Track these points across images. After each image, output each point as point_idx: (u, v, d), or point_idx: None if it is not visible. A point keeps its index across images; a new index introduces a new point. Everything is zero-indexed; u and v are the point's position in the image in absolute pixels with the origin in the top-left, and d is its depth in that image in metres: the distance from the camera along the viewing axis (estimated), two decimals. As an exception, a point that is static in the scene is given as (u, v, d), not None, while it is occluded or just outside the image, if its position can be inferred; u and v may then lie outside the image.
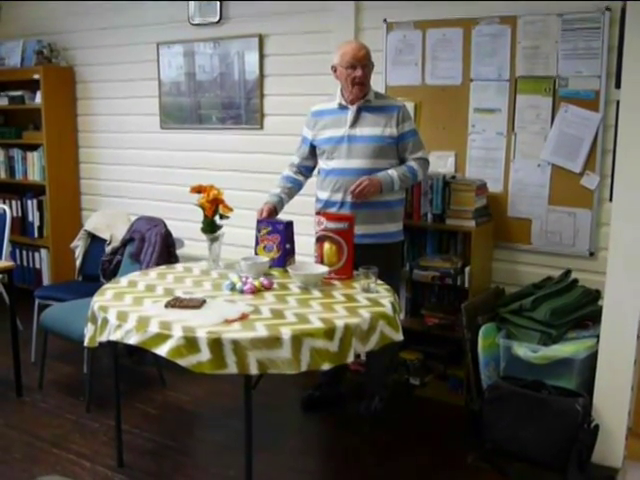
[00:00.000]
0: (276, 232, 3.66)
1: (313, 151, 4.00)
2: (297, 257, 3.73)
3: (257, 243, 3.72)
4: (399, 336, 3.05)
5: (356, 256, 3.50)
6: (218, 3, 5.16)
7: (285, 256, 3.64)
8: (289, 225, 3.69)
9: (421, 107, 4.39)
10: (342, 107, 3.85)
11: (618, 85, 3.66)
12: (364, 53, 3.74)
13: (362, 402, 4.04)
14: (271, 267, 3.58)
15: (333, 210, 3.80)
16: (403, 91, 4.37)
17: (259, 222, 3.76)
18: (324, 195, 3.91)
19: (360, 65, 3.71)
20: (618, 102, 3.58)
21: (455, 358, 4.27)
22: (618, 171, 3.45)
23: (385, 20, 4.51)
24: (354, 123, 3.81)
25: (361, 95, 3.79)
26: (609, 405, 3.50)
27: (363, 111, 3.82)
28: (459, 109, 4.34)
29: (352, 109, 3.81)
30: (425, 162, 3.88)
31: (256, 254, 3.69)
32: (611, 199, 3.77)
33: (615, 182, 3.50)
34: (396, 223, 3.92)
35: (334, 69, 3.83)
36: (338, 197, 3.83)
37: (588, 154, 3.96)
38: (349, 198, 3.76)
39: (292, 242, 3.71)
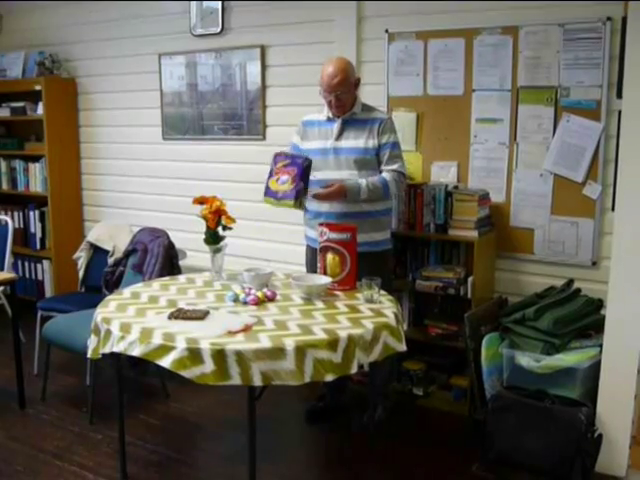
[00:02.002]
0: (294, 165, 3.60)
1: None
2: (297, 268, 3.72)
3: (271, 175, 3.66)
4: (402, 346, 3.05)
5: None
6: (220, 14, 5.18)
7: (298, 190, 3.58)
8: (309, 164, 3.65)
9: (423, 118, 4.40)
10: (329, 120, 3.89)
11: (619, 95, 3.67)
12: (337, 81, 3.73)
13: (365, 413, 4.03)
14: (279, 199, 3.59)
15: (320, 221, 3.78)
16: (405, 102, 4.38)
17: (277, 155, 3.69)
18: (312, 206, 3.91)
19: (334, 93, 3.75)
20: (619, 112, 3.58)
21: (458, 368, 4.27)
22: (620, 180, 3.45)
23: (387, 31, 4.52)
24: (339, 135, 3.84)
25: (340, 114, 3.84)
26: (612, 414, 3.49)
27: (348, 123, 3.85)
28: (461, 119, 4.35)
29: (338, 122, 3.85)
30: (399, 175, 3.83)
31: (268, 187, 3.65)
32: (613, 208, 3.76)
33: (617, 191, 3.50)
34: (382, 232, 3.92)
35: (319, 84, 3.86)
36: (325, 208, 3.84)
37: (590, 164, 3.97)
38: (334, 208, 3.80)
39: (307, 183, 3.64)
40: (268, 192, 3.67)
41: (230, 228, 3.69)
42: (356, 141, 3.81)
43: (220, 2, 5.17)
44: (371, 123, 3.84)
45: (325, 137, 3.89)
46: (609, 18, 3.79)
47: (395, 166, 3.82)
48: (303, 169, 3.58)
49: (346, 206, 3.77)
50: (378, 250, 3.91)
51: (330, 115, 3.88)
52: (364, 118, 3.86)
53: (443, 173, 4.37)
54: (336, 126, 3.85)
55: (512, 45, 4.12)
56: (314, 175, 3.84)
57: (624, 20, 3.61)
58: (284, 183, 3.57)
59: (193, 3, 5.28)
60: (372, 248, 3.86)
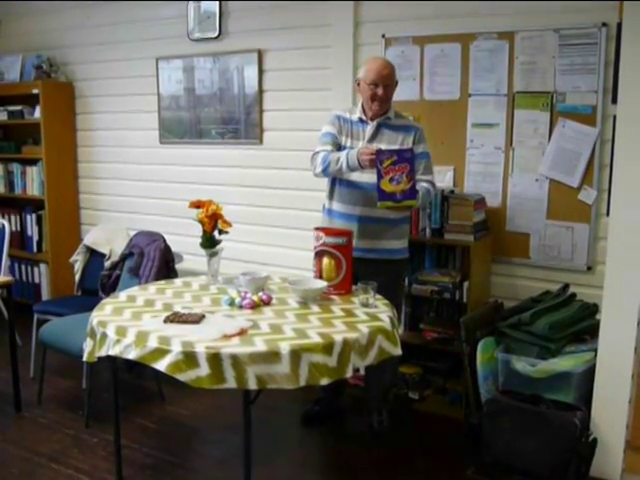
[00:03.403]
0: (404, 161, 3.44)
1: (339, 145, 3.89)
2: (293, 272, 3.72)
3: (380, 177, 3.46)
4: (398, 351, 3.06)
5: (360, 270, 3.52)
6: (217, 19, 5.19)
7: (415, 187, 3.49)
8: (414, 153, 3.54)
9: (419, 122, 4.40)
10: (362, 121, 3.86)
11: (615, 100, 3.67)
12: (388, 72, 3.75)
13: (372, 417, 4.02)
14: (399, 201, 3.47)
15: (340, 222, 3.79)
16: (401, 106, 4.37)
17: (380, 153, 3.48)
18: (336, 206, 3.89)
19: (382, 84, 3.72)
20: (615, 117, 3.59)
21: (454, 372, 4.27)
22: (615, 186, 3.47)
23: (383, 35, 4.54)
24: (372, 138, 3.81)
25: (380, 112, 3.81)
26: (607, 419, 3.50)
27: (382, 127, 3.83)
28: (457, 124, 4.36)
29: (372, 124, 3.82)
30: (434, 186, 3.87)
31: (380, 188, 3.47)
32: (608, 213, 3.78)
33: (612, 197, 3.52)
34: (401, 240, 3.92)
35: (358, 82, 3.85)
36: (349, 210, 3.81)
37: (585, 169, 3.98)
38: (357, 211, 3.77)
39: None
40: (384, 196, 3.49)
41: (226, 232, 3.69)
42: (390, 146, 3.74)
43: (218, 6, 5.18)
44: (405, 130, 3.84)
45: (356, 138, 3.85)
46: (604, 24, 3.81)
47: (430, 177, 3.84)
48: (414, 163, 3.47)
49: (372, 210, 3.72)
50: (397, 258, 3.93)
51: (363, 117, 3.85)
52: (398, 125, 3.86)
53: (439, 177, 4.37)
54: (369, 128, 3.82)
55: (508, 50, 4.14)
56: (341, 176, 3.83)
57: (619, 26, 3.63)
58: (399, 183, 3.43)
59: (190, 7, 5.29)
60: (392, 256, 3.88)
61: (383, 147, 3.65)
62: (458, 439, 3.96)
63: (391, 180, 3.44)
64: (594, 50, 3.87)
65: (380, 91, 3.73)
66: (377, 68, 3.74)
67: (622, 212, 3.41)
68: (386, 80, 3.74)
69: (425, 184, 3.77)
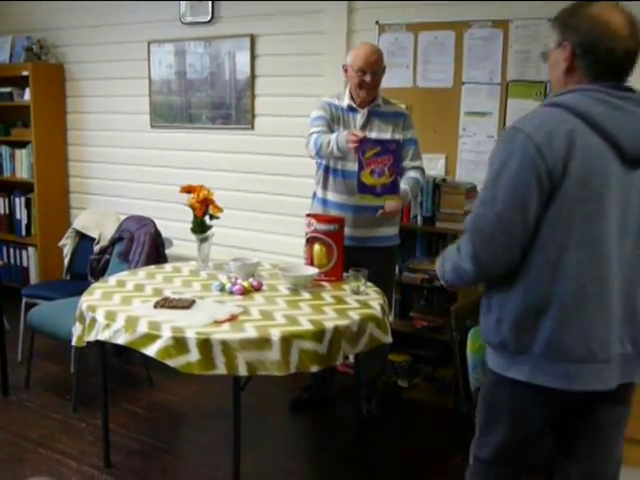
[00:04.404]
0: (387, 153, 3.27)
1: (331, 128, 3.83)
2: (284, 258, 3.71)
3: (361, 168, 3.31)
4: (388, 338, 3.06)
5: (356, 259, 3.51)
6: (210, 2, 5.15)
7: (397, 182, 3.34)
8: (399, 145, 3.41)
9: (412, 109, 4.39)
10: (351, 109, 3.82)
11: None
12: (376, 58, 3.71)
13: (361, 405, 4.01)
14: (379, 195, 3.38)
15: (336, 212, 3.77)
16: (394, 93, 4.36)
17: (363, 142, 3.31)
18: (329, 195, 3.86)
19: (370, 71, 3.68)
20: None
21: (444, 360, 4.28)
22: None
23: (377, 22, 4.51)
24: (363, 127, 3.77)
25: (368, 99, 3.78)
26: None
27: (373, 116, 3.80)
28: (450, 112, 4.35)
29: (363, 112, 3.79)
30: (424, 172, 3.88)
31: (360, 180, 3.33)
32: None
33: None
34: (394, 227, 3.93)
35: (345, 69, 3.80)
36: (345, 200, 3.78)
37: (578, 158, 3.97)
38: (353, 201, 3.73)
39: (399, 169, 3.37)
40: (364, 188, 3.36)
41: (217, 217, 3.68)
42: (381, 134, 3.74)
43: (210, -10, 5.15)
44: (395, 117, 3.83)
45: (347, 126, 3.80)
46: (599, 13, 3.79)
47: (419, 162, 3.85)
48: (398, 156, 3.33)
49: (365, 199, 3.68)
50: (389, 245, 3.94)
51: (352, 104, 3.81)
52: (387, 111, 3.83)
53: (431, 165, 4.36)
54: (360, 116, 3.79)
55: (502, 39, 4.12)
56: (336, 165, 3.80)
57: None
58: (381, 176, 3.28)
59: (183, -10, 5.26)
60: (384, 243, 3.88)
61: (374, 136, 3.64)
62: (447, 427, 3.97)
63: (372, 172, 3.29)
64: (588, 39, 3.85)
65: (368, 78, 3.70)
66: (364, 54, 3.70)
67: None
68: (374, 67, 3.70)
69: (413, 173, 3.78)
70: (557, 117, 1.99)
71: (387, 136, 3.73)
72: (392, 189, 3.33)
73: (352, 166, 3.67)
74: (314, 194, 3.98)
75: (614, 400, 2.19)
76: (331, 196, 3.85)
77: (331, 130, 3.77)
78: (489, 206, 2.04)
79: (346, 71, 3.80)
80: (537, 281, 2.03)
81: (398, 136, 3.75)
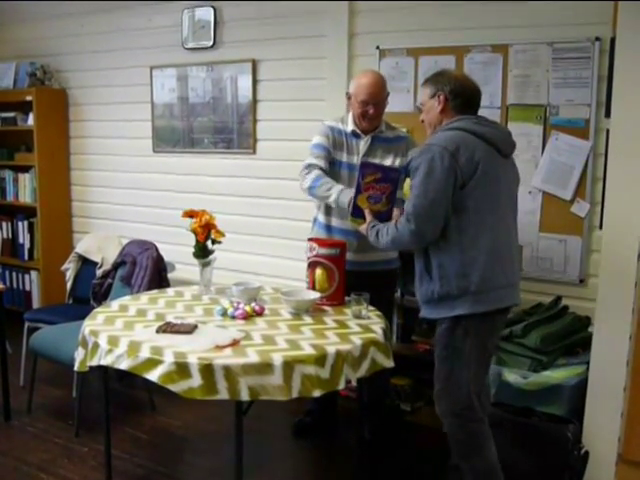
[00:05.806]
0: (387, 180, 3.17)
1: (331, 159, 3.82)
2: (286, 282, 3.71)
3: (359, 191, 3.19)
4: (390, 362, 3.06)
5: (357, 282, 3.49)
6: (212, 28, 5.19)
7: (391, 212, 3.21)
8: (400, 175, 3.29)
9: (413, 133, 4.39)
10: (355, 134, 3.83)
11: (608, 114, 3.69)
12: (378, 90, 3.72)
13: (363, 429, 3.97)
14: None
15: (340, 238, 3.74)
16: (395, 118, 4.38)
17: (365, 166, 3.23)
18: (333, 221, 3.85)
19: (373, 102, 3.70)
20: (608, 130, 3.61)
21: (446, 384, 4.26)
22: (608, 199, 3.48)
23: (378, 47, 4.54)
24: (367, 153, 3.78)
25: (371, 128, 3.79)
26: (599, 432, 3.50)
27: (376, 142, 3.81)
28: (451, 136, 4.36)
29: (366, 139, 3.80)
30: None
31: (356, 204, 3.20)
32: (601, 227, 3.79)
33: (605, 210, 3.53)
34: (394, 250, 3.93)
35: (348, 97, 3.82)
36: (347, 224, 3.65)
37: (578, 182, 3.99)
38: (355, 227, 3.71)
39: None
40: (357, 212, 3.23)
41: (219, 242, 3.69)
42: (384, 160, 3.75)
43: (212, 16, 5.18)
44: (397, 142, 3.84)
45: (350, 152, 3.81)
46: (597, 38, 3.82)
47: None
48: (398, 185, 3.24)
49: None
50: (392, 268, 3.95)
51: (356, 130, 3.81)
52: (390, 137, 3.85)
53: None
54: (363, 143, 3.80)
55: (502, 63, 4.15)
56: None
57: (612, 41, 3.64)
58: (377, 203, 3.18)
59: (185, 17, 5.29)
60: (386, 266, 3.89)
61: (377, 162, 3.62)
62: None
63: (369, 198, 3.18)
64: (587, 64, 3.88)
65: (371, 110, 3.72)
66: (367, 86, 3.71)
67: (615, 225, 3.43)
68: (377, 98, 3.72)
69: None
70: (458, 135, 2.90)
71: (389, 162, 3.75)
72: (385, 218, 3.20)
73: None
74: (315, 219, 3.98)
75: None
76: (335, 222, 3.84)
77: (331, 159, 3.77)
78: (423, 196, 2.85)
79: (349, 99, 3.81)
80: (468, 241, 2.88)
81: (399, 160, 3.77)
